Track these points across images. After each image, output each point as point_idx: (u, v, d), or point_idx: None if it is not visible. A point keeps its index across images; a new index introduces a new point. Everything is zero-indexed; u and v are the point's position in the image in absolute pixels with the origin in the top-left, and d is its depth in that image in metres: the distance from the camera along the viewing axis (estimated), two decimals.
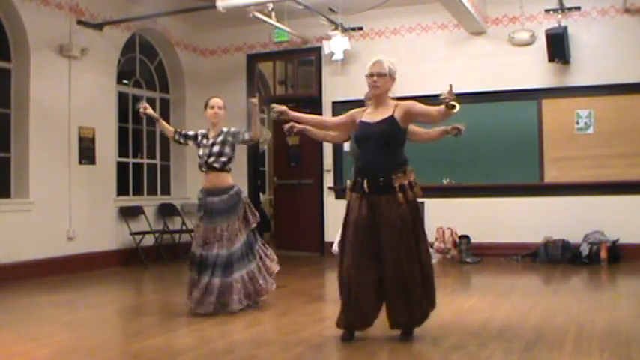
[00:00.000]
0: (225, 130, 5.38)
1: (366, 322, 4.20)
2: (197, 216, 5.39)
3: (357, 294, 4.12)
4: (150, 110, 5.39)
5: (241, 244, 5.27)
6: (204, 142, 5.35)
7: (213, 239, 5.19)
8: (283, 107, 4.46)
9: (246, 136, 5.40)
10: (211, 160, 5.25)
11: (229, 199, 5.28)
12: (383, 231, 4.12)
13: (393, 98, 4.48)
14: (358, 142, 4.35)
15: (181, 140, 5.53)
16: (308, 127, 5.02)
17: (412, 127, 5.24)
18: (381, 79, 4.25)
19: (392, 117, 4.23)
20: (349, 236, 4.20)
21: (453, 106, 3.99)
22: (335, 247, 5.44)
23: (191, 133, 5.51)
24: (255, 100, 5.47)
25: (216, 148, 5.28)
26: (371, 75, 4.27)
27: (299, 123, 4.81)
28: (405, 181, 4.19)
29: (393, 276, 4.10)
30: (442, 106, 4.04)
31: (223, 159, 5.29)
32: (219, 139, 5.33)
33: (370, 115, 4.31)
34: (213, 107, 5.36)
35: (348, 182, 4.40)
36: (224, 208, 5.25)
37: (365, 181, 4.17)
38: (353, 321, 4.18)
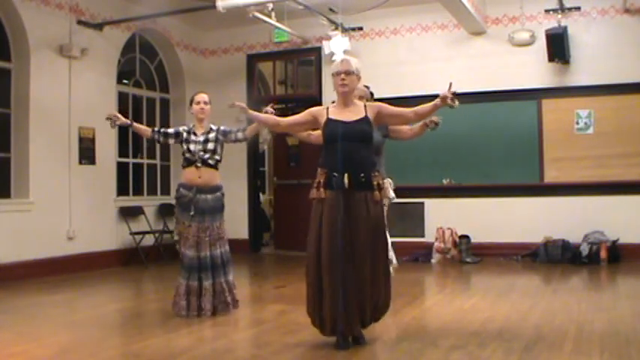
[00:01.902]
0: (214, 127, 5.27)
1: (352, 328, 4.04)
2: (183, 214, 5.14)
3: (342, 296, 3.97)
4: (121, 120, 5.24)
5: (226, 249, 5.21)
6: (193, 137, 5.20)
7: (205, 239, 5.10)
8: (243, 105, 4.43)
9: (240, 135, 5.29)
10: (207, 156, 5.15)
11: (220, 199, 5.22)
12: (357, 228, 4.04)
13: (377, 99, 4.46)
14: (333, 140, 4.13)
15: (161, 139, 5.35)
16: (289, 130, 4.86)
17: (394, 126, 5.24)
18: (348, 77, 4.17)
19: (367, 117, 4.18)
20: (328, 234, 4.05)
21: (451, 106, 4.03)
22: None
23: (171, 130, 5.37)
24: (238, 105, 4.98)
25: (210, 145, 5.17)
26: (338, 73, 4.18)
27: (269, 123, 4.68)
28: (380, 180, 4.20)
29: (359, 274, 4.04)
30: (419, 108, 4.16)
31: (217, 157, 5.21)
32: (211, 135, 5.22)
33: (341, 114, 4.19)
34: (199, 103, 5.25)
35: (318, 178, 4.18)
36: (215, 207, 5.16)
37: (345, 176, 4.06)
38: (344, 327, 4.00)
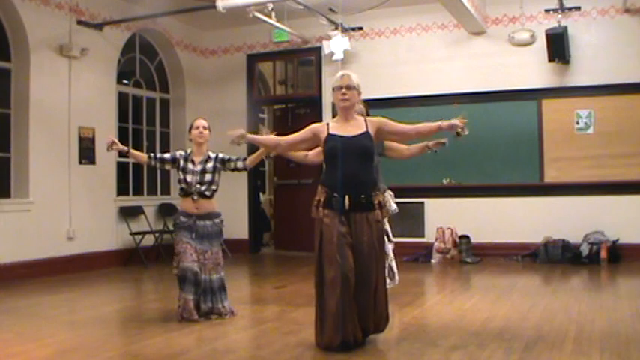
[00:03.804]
0: (212, 155, 5.23)
1: (357, 339, 4.01)
2: (182, 232, 5.09)
3: (346, 311, 3.94)
4: (118, 146, 5.22)
5: (221, 275, 5.16)
6: (190, 166, 5.16)
7: (205, 262, 5.07)
8: (241, 132, 4.31)
9: (240, 165, 5.25)
10: (203, 188, 5.11)
11: (218, 225, 5.19)
12: (359, 248, 4.02)
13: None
14: (334, 156, 4.11)
15: (157, 165, 5.34)
16: (279, 151, 4.76)
17: (391, 143, 5.17)
18: (350, 91, 4.14)
19: (368, 132, 4.15)
20: (329, 252, 4.00)
21: (459, 135, 3.99)
22: None
23: (167, 156, 5.33)
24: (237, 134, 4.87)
25: (208, 177, 5.14)
26: (340, 87, 4.15)
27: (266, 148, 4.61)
28: (381, 198, 4.18)
29: (362, 293, 4.01)
30: (421, 126, 4.15)
31: (214, 187, 5.17)
32: (209, 165, 5.17)
33: (342, 129, 4.16)
34: (198, 128, 5.20)
35: (318, 196, 4.14)
36: (213, 232, 5.15)
37: (346, 198, 4.03)
38: (349, 339, 3.96)
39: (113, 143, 5.23)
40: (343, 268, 3.95)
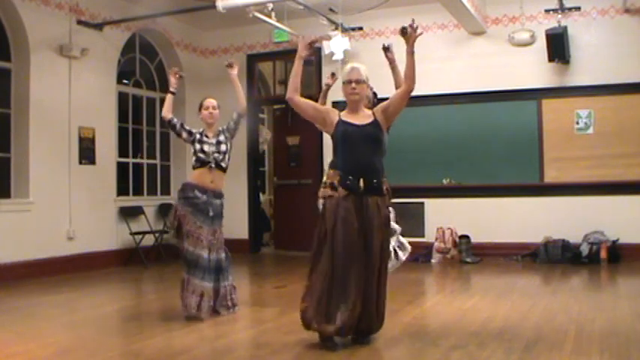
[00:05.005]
0: (220, 128, 5.35)
1: (353, 328, 4.03)
2: (197, 215, 5.07)
3: (354, 296, 3.98)
4: (177, 81, 5.45)
5: (227, 252, 5.25)
6: (205, 139, 5.23)
7: (214, 242, 5.12)
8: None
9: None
10: (220, 157, 5.21)
11: (223, 204, 5.27)
12: (370, 231, 4.06)
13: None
14: (345, 141, 4.16)
15: (177, 126, 5.35)
16: None
17: (387, 106, 5.11)
18: (359, 85, 4.22)
19: (377, 120, 4.21)
20: (339, 235, 4.02)
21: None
22: None
23: (187, 126, 5.40)
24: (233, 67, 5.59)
25: (223, 147, 5.24)
26: (349, 82, 4.22)
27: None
28: (387, 185, 4.24)
29: (370, 277, 4.06)
30: (404, 73, 4.40)
31: (227, 157, 5.28)
32: (222, 137, 5.28)
33: (352, 119, 4.22)
34: (208, 108, 5.30)
35: (331, 179, 4.15)
36: (221, 212, 5.24)
37: (361, 180, 4.07)
38: (351, 325, 3.99)
39: (179, 75, 5.48)
40: (353, 257, 3.99)
